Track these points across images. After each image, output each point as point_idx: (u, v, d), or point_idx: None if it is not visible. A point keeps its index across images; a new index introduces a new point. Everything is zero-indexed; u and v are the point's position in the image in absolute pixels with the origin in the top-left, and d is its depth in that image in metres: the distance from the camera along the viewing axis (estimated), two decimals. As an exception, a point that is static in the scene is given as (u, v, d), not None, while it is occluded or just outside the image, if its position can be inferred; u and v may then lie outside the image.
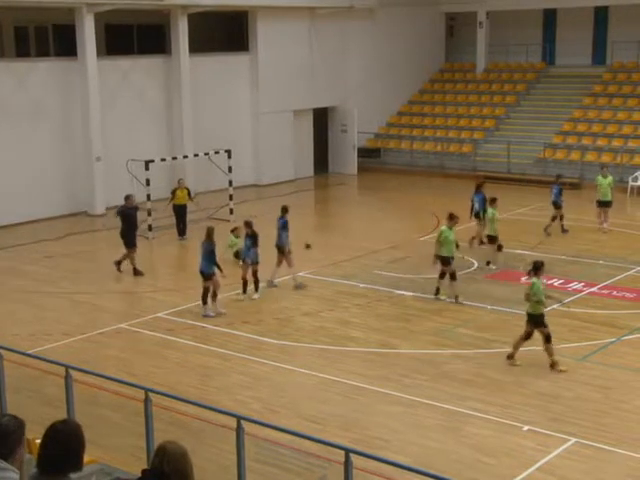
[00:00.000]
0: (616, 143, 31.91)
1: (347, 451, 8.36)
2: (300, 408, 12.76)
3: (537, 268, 14.31)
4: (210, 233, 17.36)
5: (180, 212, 23.94)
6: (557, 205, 23.02)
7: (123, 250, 20.47)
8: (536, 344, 15.28)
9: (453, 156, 34.70)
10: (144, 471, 5.28)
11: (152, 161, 24.59)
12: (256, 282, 18.18)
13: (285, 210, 19.23)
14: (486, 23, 37.59)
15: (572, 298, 17.84)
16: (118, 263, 20.44)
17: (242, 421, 9.22)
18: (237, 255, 19.75)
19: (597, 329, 15.97)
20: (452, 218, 18.24)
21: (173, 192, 23.95)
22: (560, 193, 22.95)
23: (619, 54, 35.15)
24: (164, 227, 24.65)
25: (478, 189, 22.00)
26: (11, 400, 11.56)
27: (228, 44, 32.60)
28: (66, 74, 26.96)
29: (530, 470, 10.80)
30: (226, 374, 14.25)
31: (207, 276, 17.16)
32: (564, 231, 23.10)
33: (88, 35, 26.46)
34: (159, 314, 17.41)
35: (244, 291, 18.18)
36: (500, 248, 20.38)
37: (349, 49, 34.83)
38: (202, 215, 25.90)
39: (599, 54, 36.52)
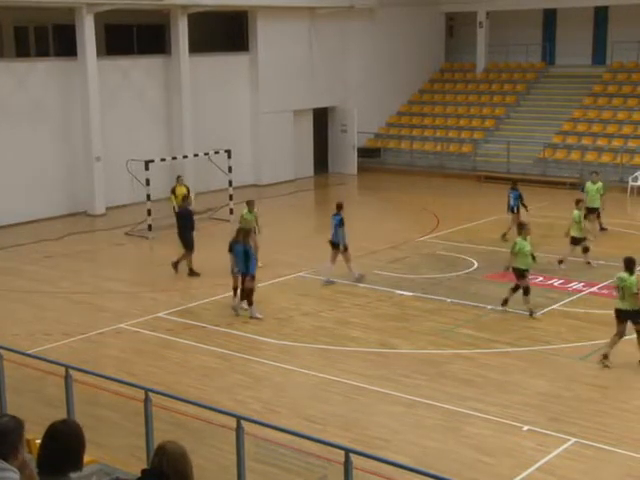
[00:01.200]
0: (616, 143, 31.91)
1: (347, 451, 8.36)
2: (300, 408, 12.77)
3: (628, 264, 14.20)
4: (245, 234, 17.07)
5: None
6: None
7: (179, 251, 20.55)
8: (535, 344, 15.29)
9: (453, 156, 34.70)
10: (144, 471, 5.29)
11: (152, 161, 24.59)
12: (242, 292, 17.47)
13: (340, 207, 19.37)
14: (486, 23, 37.58)
15: (572, 298, 17.85)
16: (175, 264, 20.33)
17: (242, 421, 9.22)
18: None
19: (597, 329, 15.94)
20: (523, 227, 17.25)
21: (173, 190, 23.92)
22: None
23: (619, 54, 35.13)
24: (164, 227, 24.63)
25: (514, 185, 23.12)
26: (11, 400, 11.56)
27: (228, 44, 32.59)
28: (66, 74, 26.96)
29: (530, 470, 10.80)
30: (226, 374, 14.25)
31: (250, 277, 16.90)
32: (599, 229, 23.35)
33: (88, 35, 26.45)
34: (159, 314, 17.40)
35: (250, 303, 17.03)
36: (586, 250, 20.21)
37: (349, 49, 34.82)
38: (202, 215, 25.89)
39: (599, 54, 36.50)
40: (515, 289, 16.91)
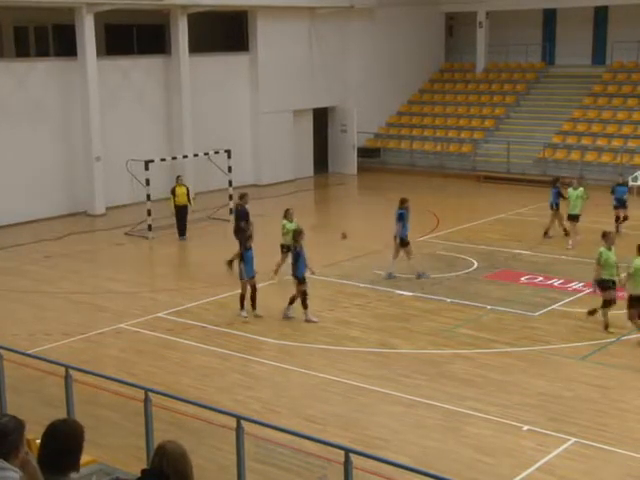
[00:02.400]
0: (616, 143, 31.91)
1: (347, 451, 8.36)
2: (300, 408, 12.76)
3: None
4: (297, 235, 16.91)
5: (181, 212, 23.93)
6: (623, 205, 23.47)
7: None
8: (535, 344, 15.30)
9: (453, 156, 34.70)
10: (144, 471, 5.29)
11: (152, 161, 24.59)
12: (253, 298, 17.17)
13: (403, 201, 19.64)
14: (486, 23, 37.59)
15: (572, 298, 17.85)
16: (230, 262, 20.09)
17: (242, 421, 9.23)
18: (288, 248, 18.33)
19: (597, 329, 15.96)
20: (607, 236, 16.41)
21: (173, 190, 23.92)
22: (625, 193, 23.72)
23: (619, 54, 35.15)
24: (164, 227, 24.65)
25: (554, 184, 23.36)
26: (11, 400, 11.56)
27: (228, 44, 32.59)
28: (66, 74, 26.96)
29: (530, 470, 10.80)
30: (226, 374, 14.25)
31: (302, 280, 16.73)
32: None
33: (88, 35, 26.46)
34: (159, 314, 17.40)
35: (242, 306, 17.03)
36: None
37: (349, 49, 34.83)
38: (202, 215, 25.94)
39: (599, 54, 36.51)
40: (606, 304, 15.92)
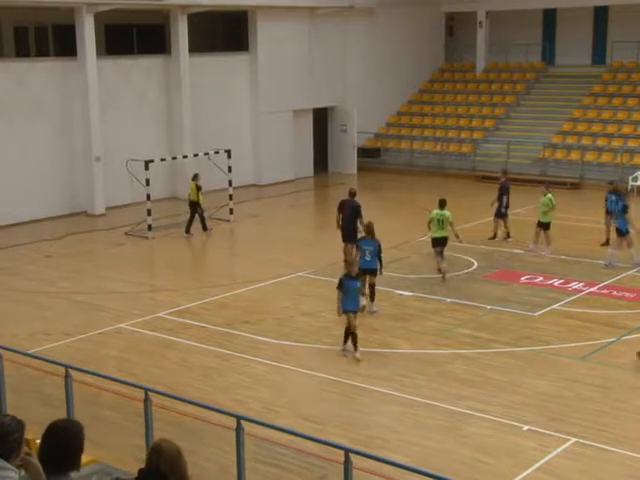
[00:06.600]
0: (616, 143, 31.92)
1: (347, 451, 8.37)
2: (300, 408, 12.76)
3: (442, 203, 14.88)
4: (370, 229, 16.99)
5: (191, 208, 24.03)
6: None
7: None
8: (535, 344, 15.30)
9: (453, 156, 34.70)
10: (141, 470, 5.29)
11: (152, 161, 24.59)
12: (354, 336, 14.95)
13: (623, 193, 20.70)
14: (486, 23, 37.59)
15: (572, 298, 17.85)
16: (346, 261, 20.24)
17: (242, 421, 9.23)
18: None
19: (597, 329, 15.97)
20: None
21: (197, 187, 24.04)
22: None
23: (619, 54, 35.15)
24: (164, 227, 24.65)
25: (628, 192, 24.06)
26: (11, 400, 11.56)
27: (228, 44, 32.60)
28: (66, 74, 26.95)
29: (530, 470, 10.80)
30: (226, 374, 14.25)
31: (373, 272, 16.83)
32: None
33: (88, 35, 26.44)
34: (159, 314, 17.39)
35: (344, 340, 15.08)
36: None
37: (349, 49, 34.82)
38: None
39: (599, 54, 36.53)
40: None
